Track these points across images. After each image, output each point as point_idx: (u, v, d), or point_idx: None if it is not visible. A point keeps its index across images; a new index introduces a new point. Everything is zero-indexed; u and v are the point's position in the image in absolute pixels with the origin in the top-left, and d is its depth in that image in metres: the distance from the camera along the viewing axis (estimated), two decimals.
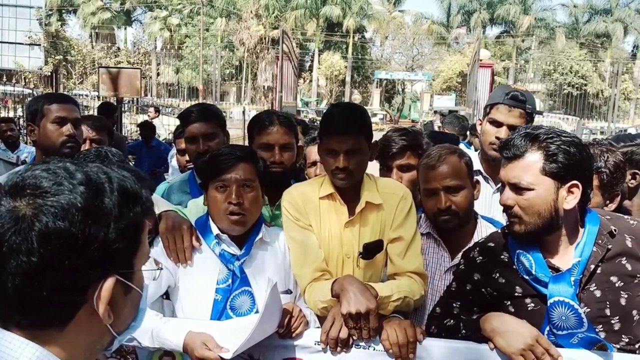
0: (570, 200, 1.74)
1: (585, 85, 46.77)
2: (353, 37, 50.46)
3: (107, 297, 0.86)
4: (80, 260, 0.82)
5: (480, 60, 18.95)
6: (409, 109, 43.51)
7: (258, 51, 45.49)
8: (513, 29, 50.34)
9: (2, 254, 0.81)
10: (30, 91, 19.60)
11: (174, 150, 5.41)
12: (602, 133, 26.03)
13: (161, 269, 1.99)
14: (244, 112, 23.03)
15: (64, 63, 38.27)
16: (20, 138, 7.01)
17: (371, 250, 2.18)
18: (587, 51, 49.53)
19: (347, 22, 48.82)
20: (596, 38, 50.19)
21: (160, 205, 2.19)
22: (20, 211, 0.82)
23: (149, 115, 13.80)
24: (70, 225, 0.81)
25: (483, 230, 2.27)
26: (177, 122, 3.39)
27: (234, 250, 2.07)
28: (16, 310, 0.84)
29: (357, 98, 47.85)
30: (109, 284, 0.86)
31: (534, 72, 51.80)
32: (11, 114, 13.25)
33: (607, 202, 2.42)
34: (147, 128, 8.43)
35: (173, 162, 5.25)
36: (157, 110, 13.72)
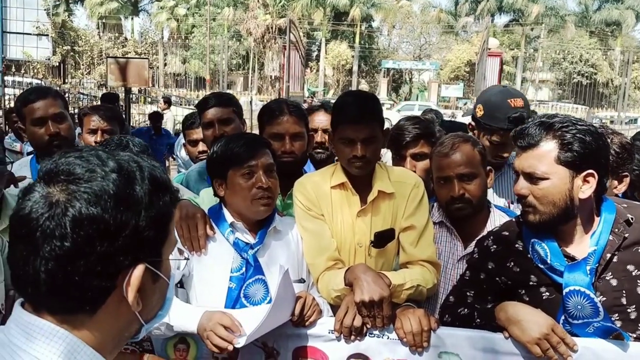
0: (585, 189, 1.72)
1: (595, 74, 46.31)
2: (360, 27, 50.16)
3: (137, 284, 0.87)
4: (111, 246, 0.83)
5: (489, 49, 18.80)
6: (416, 98, 43.29)
7: (265, 41, 45.35)
8: (522, 17, 49.85)
9: (35, 239, 0.82)
10: (39, 81, 19.66)
11: (181, 141, 5.40)
12: (611, 122, 25.88)
13: (187, 258, 2.00)
14: (251, 102, 23.01)
15: (71, 53, 38.32)
16: None
17: (383, 238, 2.18)
18: (597, 39, 49.02)
19: (354, 11, 48.52)
20: (606, 26, 49.64)
21: (182, 192, 2.21)
22: (54, 197, 0.83)
23: (159, 107, 13.78)
24: (102, 212, 0.82)
25: (496, 219, 2.26)
26: (185, 112, 3.40)
27: (248, 238, 2.08)
28: (48, 294, 0.85)
29: (364, 88, 47.60)
30: (138, 271, 0.87)
31: (543, 60, 51.30)
32: None
33: (616, 183, 2.39)
34: (156, 119, 8.62)
35: (182, 154, 5.25)
36: (167, 102, 13.62)
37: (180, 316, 1.84)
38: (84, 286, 0.84)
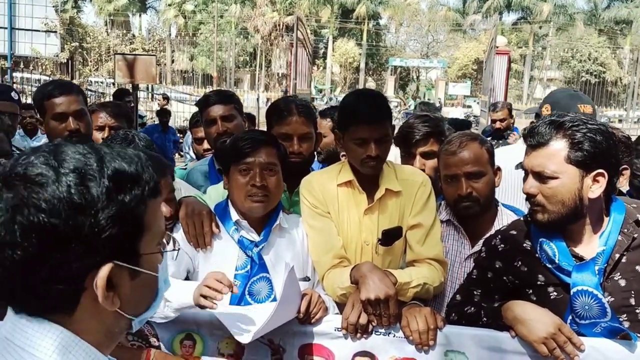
0: (595, 189, 1.71)
1: (604, 72, 46.00)
2: (367, 24, 50.07)
3: (103, 284, 0.84)
4: (67, 252, 0.80)
5: (497, 47, 18.69)
6: (423, 96, 43.15)
7: (272, 38, 45.35)
8: (530, 15, 49.58)
9: None
10: (48, 78, 19.78)
11: (189, 139, 5.43)
12: (620, 121, 25.72)
13: (178, 249, 1.99)
14: (258, 99, 23.00)
15: (79, 50, 38.48)
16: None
17: (390, 237, 2.17)
18: (605, 38, 48.69)
19: (360, 8, 48.43)
20: (615, 24, 49.30)
21: (183, 189, 2.21)
22: (8, 202, 0.80)
23: (158, 103, 13.97)
24: (53, 218, 0.79)
25: (504, 218, 2.25)
26: (192, 109, 3.40)
27: (252, 236, 2.08)
28: (20, 298, 0.83)
29: (371, 85, 47.45)
30: (104, 272, 0.83)
31: (551, 59, 51.06)
32: (29, 101, 13.37)
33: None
34: (163, 115, 8.68)
35: (191, 152, 5.28)
36: (166, 98, 13.80)
37: (176, 292, 1.82)
38: (48, 291, 0.82)
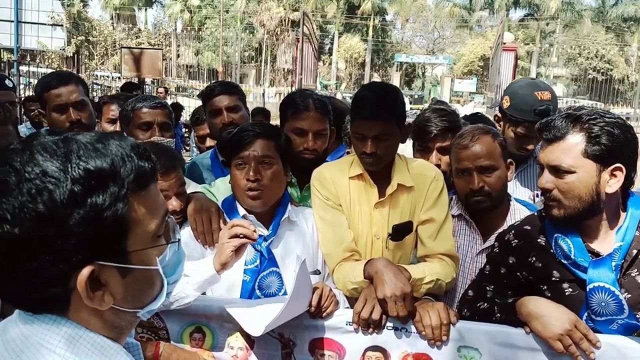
0: (613, 183, 1.68)
1: (611, 70, 45.69)
2: (373, 20, 49.90)
3: (83, 287, 0.81)
4: (37, 260, 0.78)
5: (504, 43, 18.63)
6: (429, 92, 43.00)
7: (278, 33, 45.25)
8: (537, 11, 49.31)
9: None
10: (54, 71, 19.74)
11: (192, 135, 5.38)
12: (627, 119, 25.62)
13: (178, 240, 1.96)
14: (263, 95, 22.99)
15: (85, 44, 38.50)
16: None
17: (401, 231, 2.15)
18: (613, 35, 48.39)
19: (367, 4, 48.23)
20: (623, 22, 48.98)
21: (191, 186, 2.19)
22: None
23: (160, 96, 14.01)
24: (16, 228, 0.76)
25: (516, 213, 2.23)
26: (198, 103, 3.38)
27: (261, 230, 2.05)
28: (13, 300, 0.84)
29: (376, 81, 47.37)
30: (83, 275, 0.81)
31: (558, 56, 50.78)
32: None
33: None
34: (176, 109, 8.72)
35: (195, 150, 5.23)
36: (166, 91, 13.77)
37: (195, 268, 1.80)
38: (32, 296, 0.82)
